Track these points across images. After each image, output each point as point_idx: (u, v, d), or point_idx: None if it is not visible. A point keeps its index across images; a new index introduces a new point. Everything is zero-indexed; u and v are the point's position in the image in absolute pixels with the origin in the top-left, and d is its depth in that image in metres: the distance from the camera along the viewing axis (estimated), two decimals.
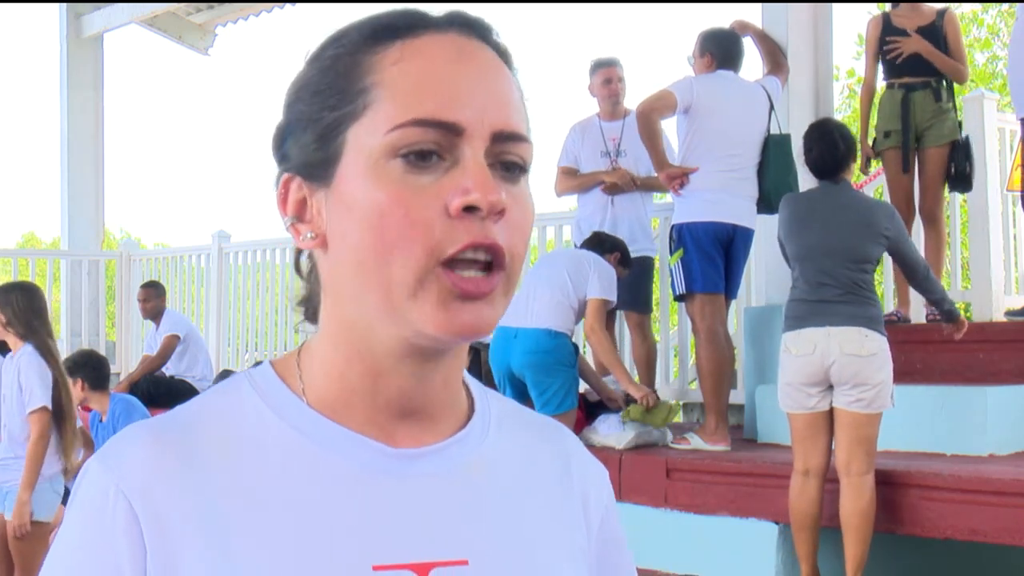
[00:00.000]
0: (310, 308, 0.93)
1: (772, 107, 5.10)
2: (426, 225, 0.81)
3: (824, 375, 3.96)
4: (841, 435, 3.98)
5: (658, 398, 5.18)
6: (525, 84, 0.90)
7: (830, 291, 4.00)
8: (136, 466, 0.84)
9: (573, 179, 5.98)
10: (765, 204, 5.00)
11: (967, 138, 5.48)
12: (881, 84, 5.74)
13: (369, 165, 0.82)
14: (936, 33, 5.51)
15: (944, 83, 5.51)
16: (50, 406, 4.62)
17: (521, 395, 4.99)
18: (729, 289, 5.09)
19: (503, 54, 0.88)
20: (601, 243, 5.36)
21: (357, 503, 0.85)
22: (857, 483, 3.93)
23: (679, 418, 7.00)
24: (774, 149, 5.00)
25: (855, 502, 3.93)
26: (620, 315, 6.08)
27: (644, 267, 5.86)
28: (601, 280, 5.09)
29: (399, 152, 0.81)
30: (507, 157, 0.84)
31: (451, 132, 0.81)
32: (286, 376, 0.91)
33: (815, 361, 3.95)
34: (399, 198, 0.81)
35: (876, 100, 5.73)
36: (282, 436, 0.87)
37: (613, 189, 5.79)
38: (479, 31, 0.87)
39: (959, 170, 5.42)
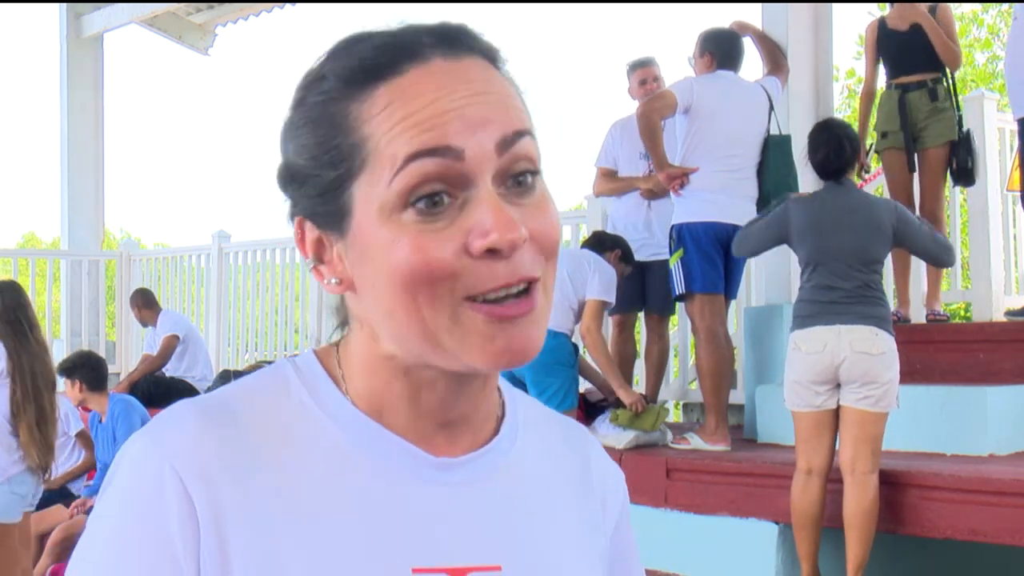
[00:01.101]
0: (340, 315, 0.92)
1: (772, 107, 5.10)
2: (448, 266, 0.79)
3: (833, 373, 3.95)
4: (847, 433, 3.96)
5: (647, 403, 5.18)
6: (520, 74, 0.88)
7: (840, 293, 4.00)
8: (188, 447, 0.83)
9: (610, 182, 5.96)
10: (764, 205, 5.00)
11: (968, 132, 5.46)
12: (881, 86, 5.75)
13: (383, 219, 0.81)
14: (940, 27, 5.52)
15: (942, 82, 5.51)
16: None
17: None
18: (729, 289, 5.08)
19: (491, 55, 0.86)
20: (601, 242, 5.36)
21: (399, 507, 0.86)
22: (862, 482, 3.92)
23: (679, 418, 7.00)
24: (774, 150, 5.00)
25: (859, 501, 3.91)
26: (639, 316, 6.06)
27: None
28: (601, 281, 5.09)
29: (409, 201, 0.80)
30: (517, 167, 0.82)
31: (452, 158, 0.79)
32: (329, 371, 0.90)
33: (825, 359, 3.95)
34: (418, 245, 0.79)
35: (876, 102, 5.75)
36: (328, 434, 0.87)
37: (649, 195, 5.77)
38: (464, 42, 0.84)
39: (960, 165, 5.42)
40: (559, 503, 0.95)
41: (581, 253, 5.30)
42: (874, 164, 5.80)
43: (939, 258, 4.32)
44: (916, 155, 5.52)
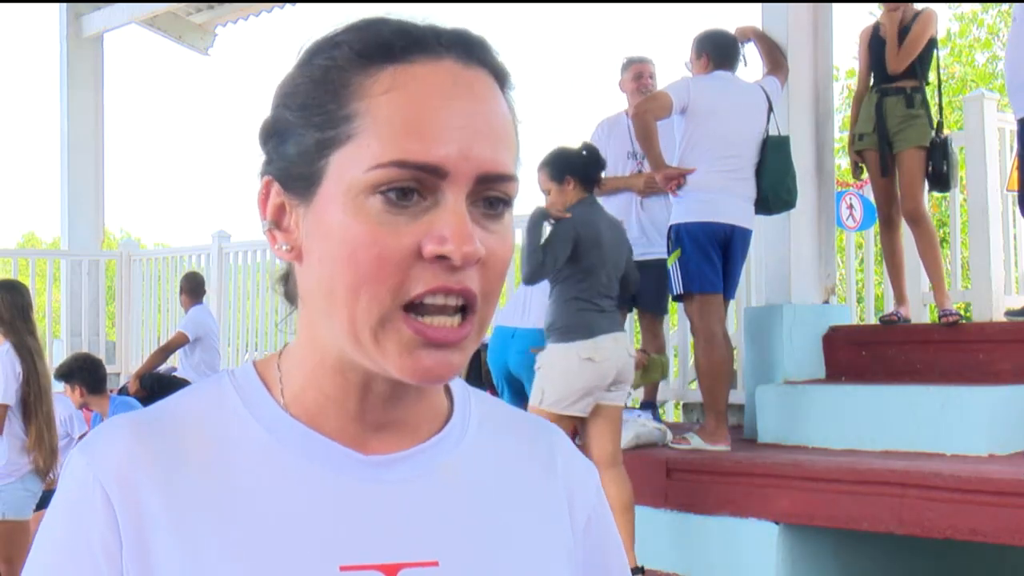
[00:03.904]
0: (290, 289, 0.94)
1: (771, 108, 5.09)
2: (396, 265, 0.80)
3: (615, 377, 4.35)
4: (609, 429, 4.37)
5: (648, 356, 5.24)
6: (520, 103, 0.88)
7: (611, 302, 4.44)
8: (114, 457, 0.85)
9: None
10: (763, 205, 5.00)
11: (946, 139, 5.44)
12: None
13: (349, 197, 0.81)
14: (908, 34, 5.51)
15: (920, 91, 5.49)
16: (12, 403, 4.62)
17: (519, 394, 5.00)
18: (727, 289, 5.08)
19: (500, 76, 0.86)
20: None
21: (326, 506, 0.86)
22: (623, 473, 4.36)
23: (679, 418, 7.01)
24: (773, 150, 4.99)
25: (626, 489, 4.31)
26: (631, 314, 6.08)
27: (665, 270, 5.86)
28: None
29: (379, 189, 0.80)
30: (491, 194, 0.83)
31: (433, 174, 0.80)
32: (266, 378, 0.92)
33: (613, 365, 4.33)
34: (375, 236, 0.80)
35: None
36: (256, 438, 0.88)
37: (645, 193, 5.77)
38: (478, 53, 0.85)
39: (936, 170, 5.42)
40: (513, 498, 0.93)
41: None
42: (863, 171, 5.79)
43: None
44: (889, 158, 5.51)
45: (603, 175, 5.90)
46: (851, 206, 6.66)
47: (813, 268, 5.50)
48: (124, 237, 19.21)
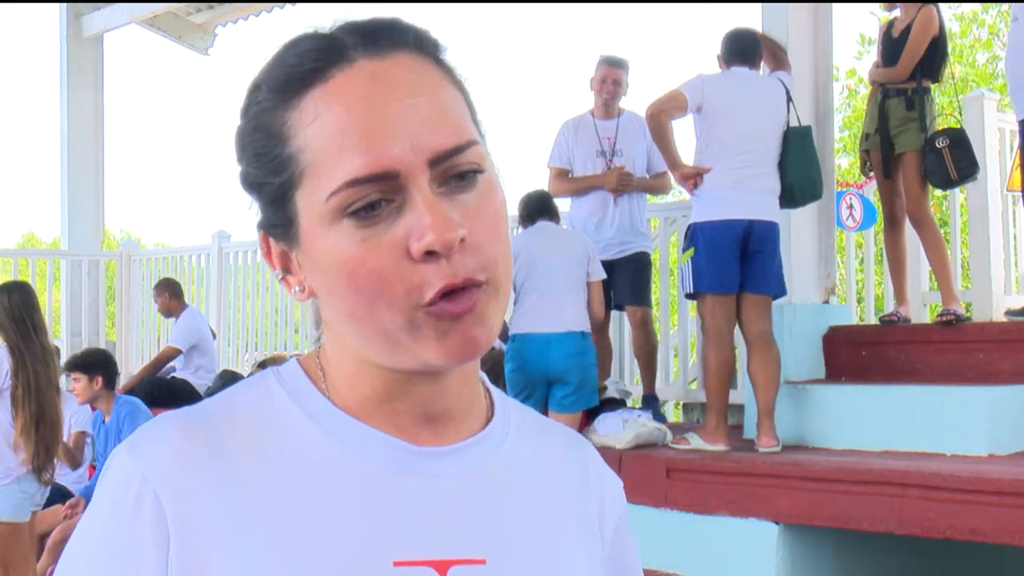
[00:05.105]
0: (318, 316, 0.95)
1: (790, 99, 5.02)
2: (395, 272, 0.81)
3: None
4: None
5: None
6: (457, 61, 0.87)
7: None
8: (165, 456, 0.85)
9: (569, 182, 5.94)
10: (788, 198, 4.90)
11: (932, 138, 5.36)
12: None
13: (324, 228, 0.83)
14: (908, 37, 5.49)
15: (918, 92, 5.46)
16: None
17: (543, 400, 5.11)
18: (760, 284, 4.91)
19: (423, 46, 0.86)
20: (555, 211, 5.50)
21: (379, 500, 0.86)
22: None
23: (679, 418, 7.01)
24: (795, 141, 4.91)
25: None
26: (617, 313, 6.09)
27: (641, 262, 5.89)
28: (598, 260, 5.31)
29: (345, 212, 0.82)
30: (456, 170, 0.83)
31: (388, 179, 0.81)
32: (312, 374, 0.92)
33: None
34: (363, 254, 0.81)
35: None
36: (308, 433, 0.88)
37: (620, 190, 5.78)
38: (389, 37, 0.85)
39: (927, 171, 5.40)
40: (552, 501, 0.95)
41: (575, 241, 5.35)
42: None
43: None
44: (891, 159, 5.49)
45: (573, 175, 5.95)
46: (851, 206, 6.66)
47: (813, 268, 5.50)
48: (124, 237, 19.22)
